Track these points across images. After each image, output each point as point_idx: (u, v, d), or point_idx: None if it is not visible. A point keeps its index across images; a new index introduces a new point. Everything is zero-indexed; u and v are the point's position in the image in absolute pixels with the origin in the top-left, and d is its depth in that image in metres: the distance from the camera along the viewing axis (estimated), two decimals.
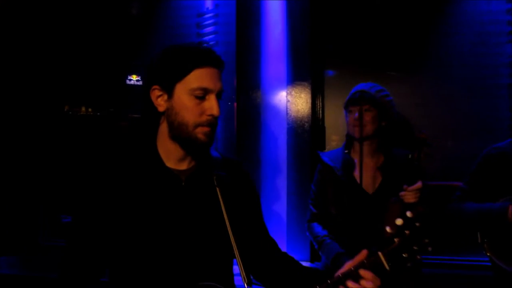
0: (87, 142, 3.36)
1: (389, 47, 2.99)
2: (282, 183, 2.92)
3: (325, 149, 2.94)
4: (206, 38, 3.24)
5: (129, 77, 3.38)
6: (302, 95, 2.95)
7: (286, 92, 2.96)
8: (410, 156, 2.19)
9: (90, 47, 3.40)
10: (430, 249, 1.35)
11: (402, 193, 2.11)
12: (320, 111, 3.01)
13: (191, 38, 3.26)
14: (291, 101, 2.95)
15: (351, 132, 2.39)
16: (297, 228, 2.86)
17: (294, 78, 2.96)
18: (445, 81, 2.97)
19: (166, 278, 1.40)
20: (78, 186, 1.48)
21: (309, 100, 2.94)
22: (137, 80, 3.39)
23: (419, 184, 2.08)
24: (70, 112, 3.47)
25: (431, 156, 2.84)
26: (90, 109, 3.47)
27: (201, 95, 1.38)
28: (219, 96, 1.42)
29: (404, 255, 1.35)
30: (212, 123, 1.40)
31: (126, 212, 1.39)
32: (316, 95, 2.99)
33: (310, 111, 2.94)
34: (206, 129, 1.40)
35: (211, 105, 1.39)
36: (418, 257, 1.36)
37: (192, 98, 1.38)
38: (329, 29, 3.03)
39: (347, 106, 2.39)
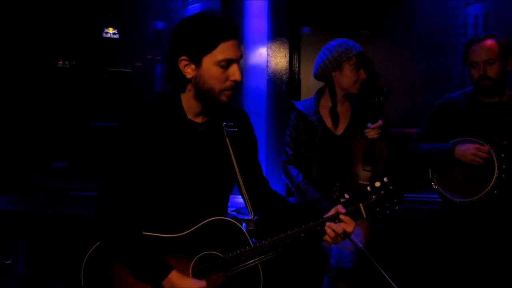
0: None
1: (360, 8, 3.21)
2: (262, 128, 3.14)
3: (300, 99, 3.15)
4: None
5: (106, 30, 3.35)
6: (281, 50, 3.15)
7: (267, 47, 3.15)
8: (372, 100, 2.52)
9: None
10: (397, 207, 1.71)
11: (366, 130, 2.42)
12: (297, 65, 3.23)
13: None
14: (271, 54, 3.16)
15: (347, 87, 2.57)
16: (274, 168, 3.11)
17: (274, 34, 3.14)
18: (407, 40, 3.23)
19: (184, 204, 1.71)
20: (117, 130, 1.68)
21: (287, 55, 3.15)
22: (113, 33, 3.34)
23: (380, 122, 2.41)
24: (48, 64, 3.44)
25: (394, 107, 3.15)
26: (67, 62, 3.44)
27: (226, 65, 1.59)
28: (239, 62, 1.64)
29: (377, 208, 1.71)
30: (234, 87, 1.64)
31: (155, 151, 1.66)
32: (293, 50, 3.19)
33: (287, 64, 3.15)
34: (229, 92, 1.64)
35: (234, 72, 1.61)
36: (387, 212, 1.71)
37: (218, 68, 1.59)
38: None
39: (359, 67, 2.53)
